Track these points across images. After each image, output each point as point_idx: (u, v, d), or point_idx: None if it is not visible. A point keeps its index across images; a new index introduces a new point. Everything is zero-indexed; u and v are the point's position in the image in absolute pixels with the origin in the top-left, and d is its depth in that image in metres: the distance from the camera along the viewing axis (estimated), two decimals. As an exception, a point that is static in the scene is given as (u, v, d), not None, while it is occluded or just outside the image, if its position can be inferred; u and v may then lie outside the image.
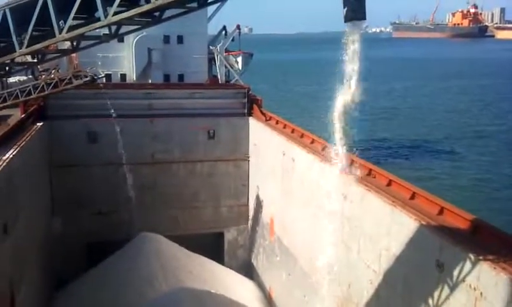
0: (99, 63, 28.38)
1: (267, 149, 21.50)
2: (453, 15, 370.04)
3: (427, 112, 76.68)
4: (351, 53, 8.46)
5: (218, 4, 33.51)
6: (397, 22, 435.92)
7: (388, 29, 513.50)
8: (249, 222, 24.06)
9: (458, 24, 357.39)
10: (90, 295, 19.15)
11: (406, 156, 51.61)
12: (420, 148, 54.75)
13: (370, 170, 14.20)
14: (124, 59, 32.51)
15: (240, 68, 36.83)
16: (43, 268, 18.89)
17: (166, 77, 33.35)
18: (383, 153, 52.65)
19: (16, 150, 15.36)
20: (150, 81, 31.06)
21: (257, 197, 22.77)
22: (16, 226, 14.14)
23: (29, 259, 16.34)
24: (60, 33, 9.84)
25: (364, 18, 8.22)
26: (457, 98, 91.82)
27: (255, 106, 23.86)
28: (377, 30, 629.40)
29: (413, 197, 12.15)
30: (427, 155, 51.89)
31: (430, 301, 10.29)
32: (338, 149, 9.83)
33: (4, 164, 13.76)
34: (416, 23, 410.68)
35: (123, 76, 32.64)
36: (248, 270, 23.93)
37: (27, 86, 16.30)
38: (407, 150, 53.96)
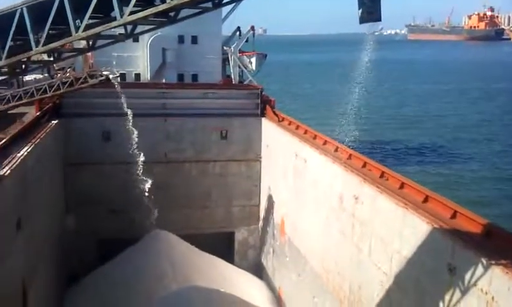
0: (114, 63, 28.58)
1: (280, 150, 21.50)
2: (469, 17, 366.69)
3: (444, 116, 75.93)
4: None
5: (233, 4, 33.60)
6: (412, 24, 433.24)
7: (403, 31, 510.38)
8: (260, 222, 24.08)
9: (474, 27, 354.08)
10: (102, 292, 19.33)
11: (419, 159, 51.23)
12: (434, 151, 54.31)
13: (383, 172, 14.14)
14: (139, 58, 32.69)
15: (254, 68, 36.86)
16: (56, 264, 19.09)
17: (180, 77, 33.48)
18: (397, 155, 52.36)
19: (31, 147, 15.53)
20: (164, 81, 31.20)
21: (268, 198, 22.78)
22: (29, 222, 14.31)
23: (42, 255, 16.51)
24: (76, 32, 9.94)
25: (379, 19, 8.23)
26: (474, 101, 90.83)
27: (267, 107, 23.87)
28: (392, 32, 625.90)
29: (426, 200, 12.08)
30: (442, 159, 51.43)
31: (441, 304, 10.23)
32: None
33: (19, 160, 13.93)
34: (431, 26, 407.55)
35: (138, 75, 32.83)
36: (258, 270, 23.96)
37: (43, 85, 16.58)
38: (421, 153, 53.57)
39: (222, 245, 23.93)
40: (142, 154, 21.52)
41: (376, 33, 8.40)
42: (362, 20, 8.23)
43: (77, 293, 20.13)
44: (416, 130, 65.09)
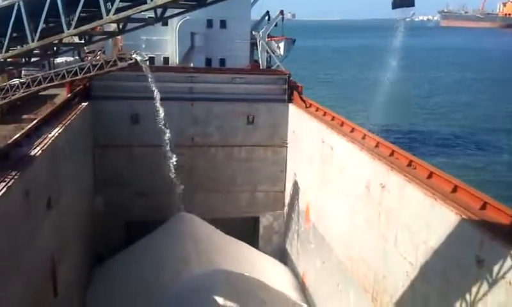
0: (143, 46, 28.79)
1: (306, 136, 21.39)
2: (504, 4, 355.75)
3: (475, 106, 74.16)
4: None
5: (262, -11, 33.41)
6: (445, 10, 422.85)
7: (435, 18, 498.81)
8: (285, 208, 24.10)
9: (509, 14, 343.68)
10: (127, 272, 19.69)
11: (449, 149, 50.31)
12: (465, 141, 53.25)
13: (411, 161, 13.93)
14: (167, 42, 32.84)
15: (282, 53, 36.65)
16: (84, 244, 19.50)
17: (208, 61, 33.51)
18: (425, 144, 51.51)
19: (62, 128, 15.84)
20: (192, 65, 31.30)
21: (294, 184, 22.75)
22: (59, 202, 14.62)
23: (71, 234, 16.87)
24: (107, 15, 10.04)
25: (413, 4, 8.09)
26: (508, 90, 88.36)
27: (295, 92, 23.72)
28: (424, 18, 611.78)
29: (454, 190, 11.86)
30: (472, 149, 50.41)
31: (468, 297, 10.09)
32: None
33: (50, 141, 14.22)
34: (465, 12, 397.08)
35: (166, 59, 33.02)
36: (282, 256, 24.03)
37: (74, 67, 16.76)
38: (450, 143, 52.60)
39: (247, 230, 24.08)
40: (169, 137, 21.67)
41: (408, 19, 8.22)
42: (395, 5, 8.09)
43: (103, 273, 20.56)
44: (446, 119, 63.83)
